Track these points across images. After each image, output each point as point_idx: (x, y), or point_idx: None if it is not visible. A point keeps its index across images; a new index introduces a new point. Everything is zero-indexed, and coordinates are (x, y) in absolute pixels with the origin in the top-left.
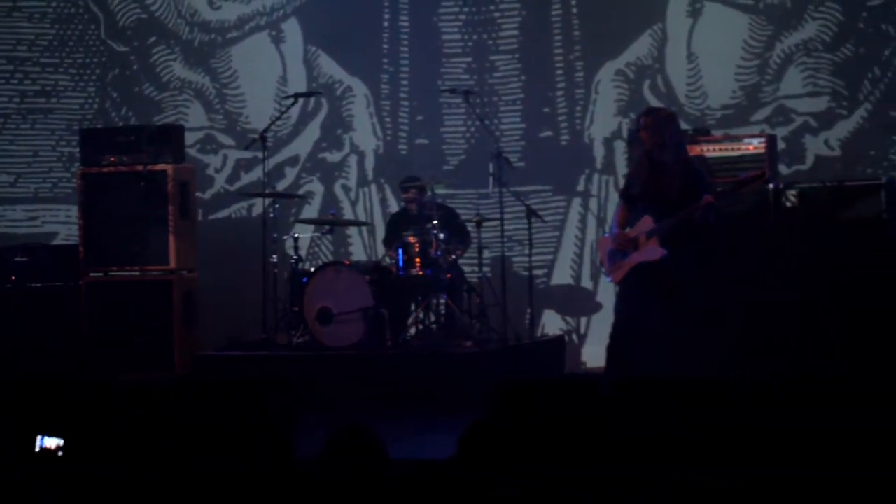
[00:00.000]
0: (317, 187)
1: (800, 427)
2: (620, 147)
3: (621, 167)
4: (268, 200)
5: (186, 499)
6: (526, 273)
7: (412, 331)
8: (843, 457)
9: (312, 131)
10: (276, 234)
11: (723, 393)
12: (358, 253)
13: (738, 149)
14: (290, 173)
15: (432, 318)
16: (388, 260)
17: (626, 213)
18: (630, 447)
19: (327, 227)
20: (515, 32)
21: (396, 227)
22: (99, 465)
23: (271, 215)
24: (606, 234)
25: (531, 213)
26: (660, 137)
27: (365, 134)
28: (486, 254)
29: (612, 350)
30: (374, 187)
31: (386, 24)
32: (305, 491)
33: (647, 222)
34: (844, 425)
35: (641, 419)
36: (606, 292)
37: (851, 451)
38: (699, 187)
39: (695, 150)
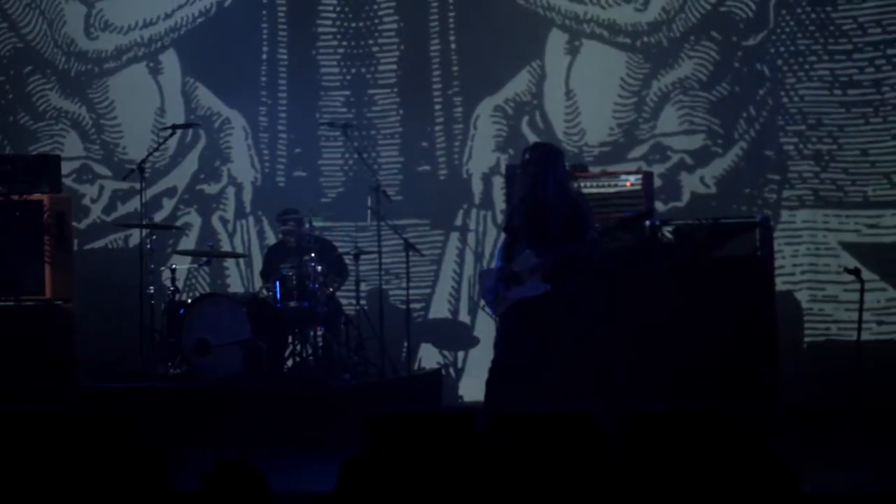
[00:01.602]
0: (194, 219)
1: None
2: (499, 182)
3: (499, 202)
4: (145, 231)
5: None
6: (403, 306)
7: (289, 363)
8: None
9: (190, 163)
10: (153, 266)
11: (600, 429)
12: (235, 285)
13: (616, 185)
14: (168, 204)
15: (309, 351)
16: (265, 292)
17: (509, 246)
18: (504, 482)
19: (205, 258)
20: (394, 66)
21: (274, 259)
22: None
23: (148, 246)
24: (487, 268)
25: (409, 246)
26: (542, 173)
27: (243, 166)
28: (363, 287)
29: (491, 385)
30: (251, 219)
31: (265, 56)
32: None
33: (529, 257)
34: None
35: (516, 455)
36: (484, 326)
37: None
38: (582, 224)
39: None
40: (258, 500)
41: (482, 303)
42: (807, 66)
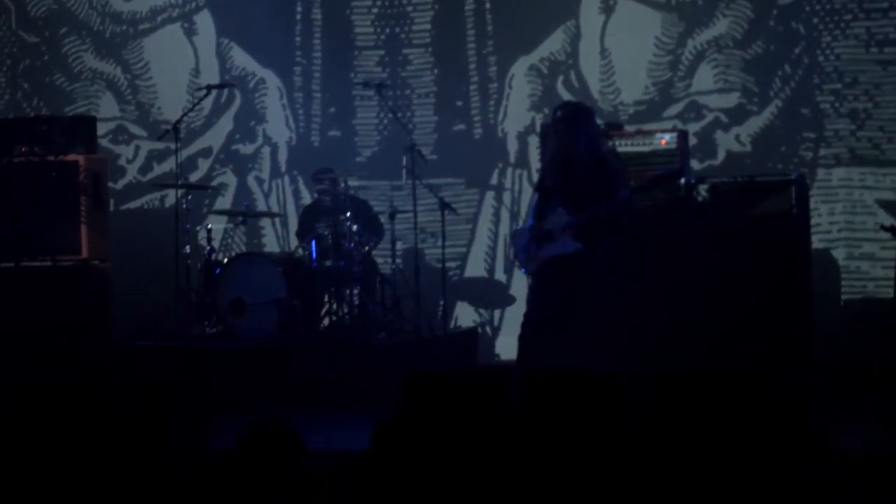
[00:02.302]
0: (230, 179)
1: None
2: (534, 142)
3: (535, 162)
4: (180, 192)
5: (103, 498)
6: (439, 265)
7: (325, 322)
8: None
9: (225, 123)
10: (188, 226)
11: (630, 386)
12: (271, 244)
13: (651, 144)
14: (203, 165)
15: (345, 310)
16: (301, 251)
17: (541, 205)
18: (540, 440)
19: (240, 218)
20: (428, 26)
21: (309, 218)
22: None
23: (184, 206)
24: (519, 227)
25: (444, 205)
26: (574, 131)
27: (278, 126)
28: (398, 246)
29: (523, 342)
30: (286, 179)
31: (298, 16)
32: (224, 482)
33: (561, 215)
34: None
35: (548, 414)
36: (520, 284)
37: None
38: (614, 182)
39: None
40: (293, 458)
41: (516, 261)
42: (842, 25)
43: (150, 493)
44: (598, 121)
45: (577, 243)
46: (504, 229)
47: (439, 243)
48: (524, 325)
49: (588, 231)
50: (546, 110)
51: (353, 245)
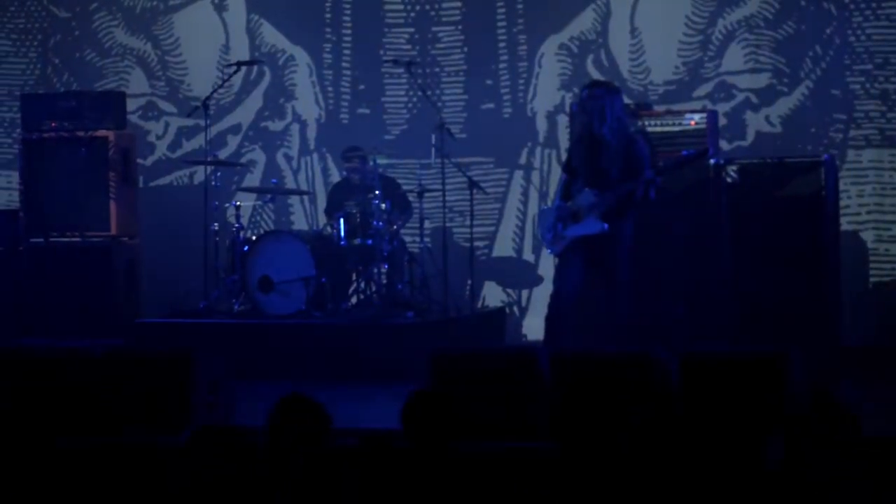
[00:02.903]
0: (259, 156)
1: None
2: (563, 121)
3: (564, 141)
4: (209, 168)
5: (134, 467)
6: (467, 244)
7: (353, 300)
8: None
9: (255, 100)
10: (217, 203)
11: (660, 368)
12: (299, 222)
13: (680, 124)
14: (233, 141)
15: (373, 289)
16: (329, 229)
17: (567, 185)
18: (566, 419)
19: (269, 195)
20: (458, 4)
21: (338, 196)
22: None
23: (213, 183)
24: (546, 207)
25: (473, 184)
26: (601, 111)
27: (307, 103)
28: (427, 224)
29: (551, 321)
30: (315, 156)
31: None
32: (251, 457)
33: (587, 196)
34: None
35: (577, 392)
36: (548, 265)
37: None
38: (640, 163)
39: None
40: (321, 434)
41: (543, 241)
42: (874, 5)
43: (176, 465)
44: (627, 100)
45: (602, 223)
46: (532, 209)
47: (468, 222)
48: (551, 306)
49: (614, 211)
50: (575, 90)
51: (381, 223)
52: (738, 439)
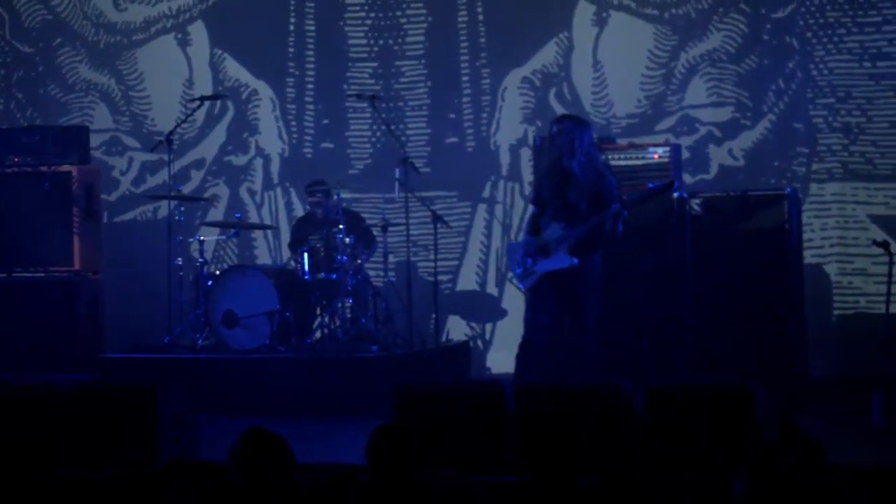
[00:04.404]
0: (222, 190)
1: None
2: (526, 154)
3: (527, 174)
4: (173, 203)
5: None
6: (431, 279)
7: (317, 335)
8: None
9: (218, 134)
10: (181, 237)
11: (625, 402)
12: (263, 256)
13: (643, 158)
14: (196, 176)
15: (337, 323)
16: (293, 264)
17: (536, 219)
18: (530, 453)
19: (233, 230)
20: (422, 38)
21: (302, 230)
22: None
23: (177, 218)
24: (514, 241)
25: (437, 218)
26: (570, 146)
27: (271, 137)
28: (391, 258)
29: (522, 357)
30: (279, 191)
31: (292, 27)
32: (213, 493)
33: (556, 230)
34: None
35: (543, 425)
36: (511, 298)
37: None
38: (609, 196)
39: None
40: (283, 469)
41: (510, 275)
42: (836, 39)
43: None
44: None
45: (572, 258)
46: (496, 242)
47: (431, 256)
48: (522, 344)
49: (583, 245)
50: (539, 123)
51: (345, 258)
52: (705, 471)
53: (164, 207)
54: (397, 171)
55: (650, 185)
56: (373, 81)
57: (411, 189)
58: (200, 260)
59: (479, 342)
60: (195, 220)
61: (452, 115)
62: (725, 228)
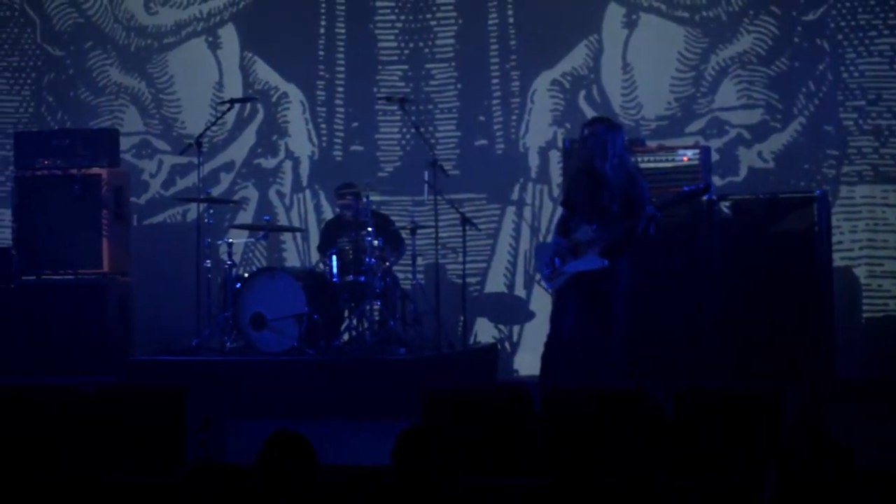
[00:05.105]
0: (252, 193)
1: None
2: (555, 157)
3: (556, 177)
4: (202, 206)
5: None
6: (459, 281)
7: (345, 337)
8: None
9: (248, 137)
10: (209, 240)
11: (653, 404)
12: (292, 259)
13: (673, 160)
14: (226, 179)
15: (366, 325)
16: (322, 266)
17: (566, 221)
18: (557, 456)
19: (261, 232)
20: (452, 41)
21: (331, 233)
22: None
23: (206, 221)
24: (543, 242)
25: (465, 221)
26: (602, 148)
27: (300, 140)
28: (419, 261)
29: (548, 358)
30: (308, 193)
31: (322, 30)
32: (240, 496)
33: (586, 231)
34: None
35: (571, 427)
36: (539, 301)
37: None
38: (641, 199)
39: None
40: (309, 472)
41: (538, 277)
42: (867, 41)
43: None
44: None
45: (602, 260)
46: (524, 245)
47: (460, 259)
48: (548, 344)
49: (613, 247)
50: (568, 125)
51: (374, 260)
52: (735, 475)
53: (193, 210)
54: (426, 173)
55: (685, 189)
56: (403, 84)
57: (440, 192)
58: (229, 262)
59: (507, 344)
60: (224, 222)
61: (482, 118)
62: (755, 231)
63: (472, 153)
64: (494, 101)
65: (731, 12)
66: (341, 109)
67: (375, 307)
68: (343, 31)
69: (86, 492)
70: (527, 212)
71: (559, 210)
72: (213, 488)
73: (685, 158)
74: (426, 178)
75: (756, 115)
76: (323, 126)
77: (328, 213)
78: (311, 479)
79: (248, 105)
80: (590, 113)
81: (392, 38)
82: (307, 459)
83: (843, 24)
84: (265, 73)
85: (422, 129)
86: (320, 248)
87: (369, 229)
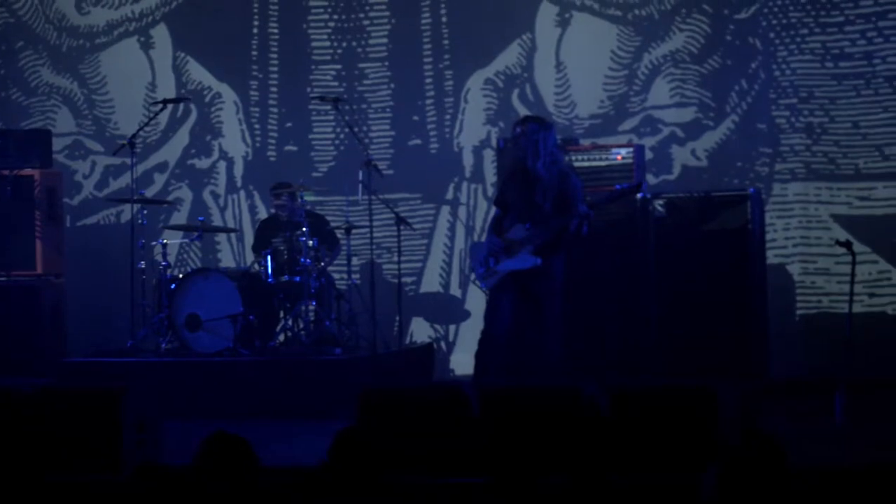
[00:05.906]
0: (185, 193)
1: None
2: (489, 156)
3: (490, 176)
4: (136, 207)
5: None
6: (395, 280)
7: (281, 338)
8: None
9: (181, 137)
10: (143, 241)
11: (587, 402)
12: (227, 259)
13: (606, 158)
14: (159, 179)
15: (301, 325)
16: (256, 266)
17: (499, 220)
18: (494, 455)
19: (196, 233)
20: (385, 40)
21: (265, 233)
22: None
23: (140, 222)
24: (477, 241)
25: (400, 220)
26: (534, 147)
27: (234, 140)
28: (355, 261)
29: (481, 357)
30: (242, 193)
31: (255, 30)
32: (178, 498)
33: (520, 230)
34: None
35: (506, 427)
36: (475, 300)
37: None
38: (574, 197)
39: None
40: (247, 473)
41: (473, 277)
42: (798, 39)
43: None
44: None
45: (536, 258)
46: (459, 244)
47: (395, 258)
48: (481, 341)
49: (546, 246)
50: (501, 124)
51: (309, 260)
52: (670, 471)
53: (126, 211)
54: (361, 173)
55: (618, 187)
56: (336, 84)
57: (375, 191)
58: (163, 263)
59: (443, 344)
60: (158, 223)
61: (416, 117)
62: (688, 229)
63: (406, 153)
64: (428, 101)
65: (663, 11)
66: (275, 109)
67: (311, 307)
68: (276, 30)
69: (26, 491)
70: (461, 211)
71: (493, 209)
72: (154, 489)
73: (618, 157)
74: (360, 177)
75: (689, 114)
76: (257, 126)
77: (262, 214)
78: (251, 479)
79: (182, 105)
80: (523, 112)
81: (325, 37)
82: (246, 459)
83: (774, 22)
84: (198, 74)
85: (356, 129)
86: (255, 249)
87: (304, 229)
